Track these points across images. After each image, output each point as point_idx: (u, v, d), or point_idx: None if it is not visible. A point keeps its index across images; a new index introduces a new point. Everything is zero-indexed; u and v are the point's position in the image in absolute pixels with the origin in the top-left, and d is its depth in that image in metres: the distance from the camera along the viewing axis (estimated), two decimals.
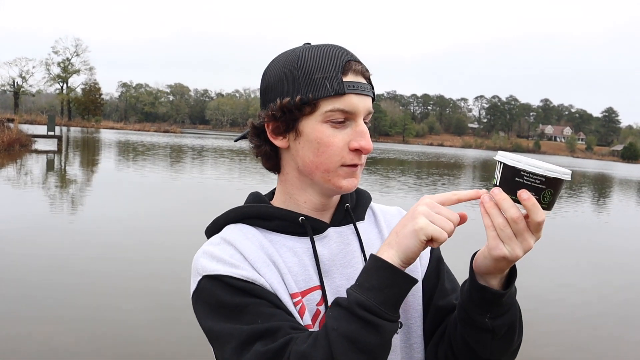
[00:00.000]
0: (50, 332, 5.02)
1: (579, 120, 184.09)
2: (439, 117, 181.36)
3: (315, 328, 1.05)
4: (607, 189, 30.53)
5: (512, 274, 1.00)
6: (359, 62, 1.07)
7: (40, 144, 31.04)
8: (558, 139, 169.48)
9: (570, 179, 0.91)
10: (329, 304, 1.05)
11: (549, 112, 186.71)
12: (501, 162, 0.92)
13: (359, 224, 1.19)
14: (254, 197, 1.18)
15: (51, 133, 33.42)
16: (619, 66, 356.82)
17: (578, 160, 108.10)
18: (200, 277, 1.01)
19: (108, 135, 56.75)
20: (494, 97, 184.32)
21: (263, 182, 17.67)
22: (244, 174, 21.86)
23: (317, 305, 1.07)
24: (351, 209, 1.19)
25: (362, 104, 1.04)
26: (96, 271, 7.03)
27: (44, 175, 18.39)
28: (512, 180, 0.90)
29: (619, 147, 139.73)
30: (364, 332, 0.89)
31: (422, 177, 27.25)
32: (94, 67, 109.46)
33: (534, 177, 0.88)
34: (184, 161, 28.15)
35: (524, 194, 0.88)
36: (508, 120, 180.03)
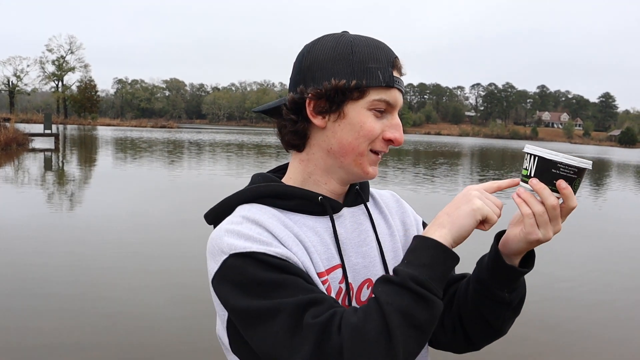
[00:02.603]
0: (67, 327, 5.05)
1: (576, 106, 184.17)
2: (435, 106, 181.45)
3: None
4: (606, 173, 30.59)
5: (531, 253, 1.10)
6: (399, 60, 1.12)
7: (38, 143, 30.97)
8: (555, 125, 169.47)
9: (591, 167, 1.00)
10: (349, 281, 1.10)
11: (545, 99, 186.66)
12: (535, 155, 1.00)
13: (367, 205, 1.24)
14: (263, 177, 1.18)
15: (48, 131, 33.34)
16: (615, 51, 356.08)
17: (576, 146, 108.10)
18: (226, 256, 0.99)
19: (105, 132, 56.59)
20: (490, 84, 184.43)
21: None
22: (249, 169, 21.83)
23: (339, 283, 1.09)
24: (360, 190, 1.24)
25: (400, 99, 1.10)
26: (109, 268, 7.05)
27: (43, 173, 18.37)
28: (549, 172, 0.98)
29: (617, 132, 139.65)
30: (417, 307, 0.90)
31: (425, 167, 27.24)
32: (89, 64, 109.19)
33: (569, 168, 0.98)
34: (189, 156, 28.08)
35: (562, 183, 0.97)
36: (505, 108, 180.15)
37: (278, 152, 32.78)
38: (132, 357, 4.57)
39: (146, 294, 6.15)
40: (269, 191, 1.11)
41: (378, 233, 1.20)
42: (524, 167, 1.03)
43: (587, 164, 0.98)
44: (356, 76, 1.06)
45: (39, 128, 36.42)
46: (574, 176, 0.98)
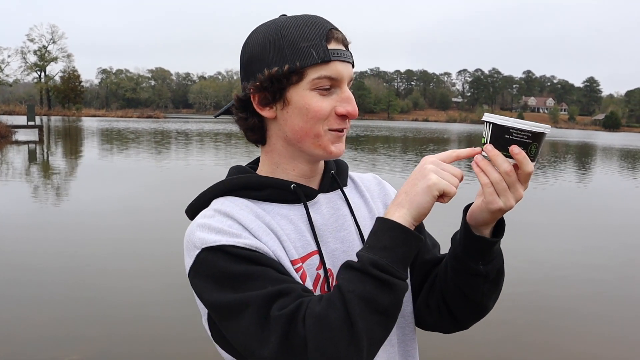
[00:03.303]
0: (60, 319, 5.03)
1: (561, 90, 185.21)
2: (422, 92, 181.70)
3: (317, 292, 1.07)
4: (590, 157, 30.87)
5: (501, 223, 1.08)
6: (339, 30, 1.09)
7: (21, 135, 30.63)
8: (541, 110, 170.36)
9: (550, 132, 0.99)
10: (327, 267, 1.10)
11: (531, 84, 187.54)
12: (490, 122, 0.99)
13: (345, 190, 1.23)
14: (238, 169, 1.19)
15: (31, 123, 32.94)
16: (600, 37, 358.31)
17: (561, 130, 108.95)
18: (198, 251, 0.99)
19: (90, 123, 56.08)
20: (476, 70, 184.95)
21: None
22: (239, 159, 21.75)
23: (316, 269, 1.09)
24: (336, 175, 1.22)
25: (345, 70, 1.07)
26: (102, 261, 7.02)
27: (28, 166, 18.20)
28: (502, 138, 0.98)
29: (601, 117, 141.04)
30: (379, 292, 0.90)
31: (417, 154, 27.29)
32: (72, 54, 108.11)
33: (522, 133, 0.97)
34: (178, 147, 27.92)
35: (515, 148, 0.96)
36: (491, 93, 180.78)
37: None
38: (130, 349, 4.56)
39: (141, 285, 6.13)
40: (242, 183, 1.11)
41: (357, 217, 1.19)
42: (483, 135, 1.02)
43: (542, 128, 0.97)
44: (289, 60, 1.04)
45: (22, 120, 35.96)
46: (529, 141, 0.97)
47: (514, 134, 0.97)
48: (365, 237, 1.14)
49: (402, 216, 0.96)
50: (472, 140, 45.82)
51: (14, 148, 24.69)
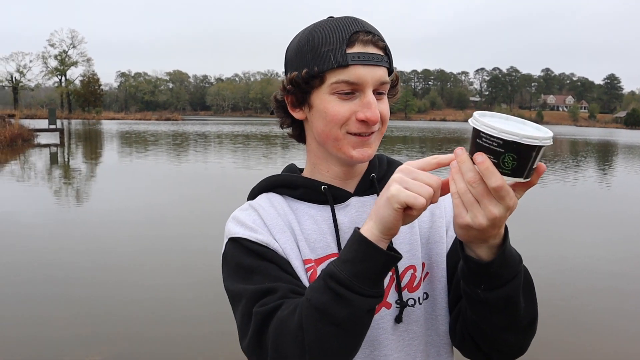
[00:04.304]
0: (85, 319, 5.10)
1: (581, 88, 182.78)
2: (440, 92, 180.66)
3: None
4: (612, 155, 30.42)
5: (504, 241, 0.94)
6: (369, 32, 1.05)
7: (43, 138, 31.05)
8: (560, 109, 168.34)
9: (541, 144, 0.81)
10: None
11: (550, 82, 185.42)
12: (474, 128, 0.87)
13: None
14: (288, 168, 1.25)
15: (52, 126, 33.39)
16: (620, 33, 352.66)
17: (581, 128, 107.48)
18: (227, 240, 1.10)
19: (110, 126, 56.72)
20: (494, 69, 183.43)
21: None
22: (260, 161, 21.81)
23: None
24: (378, 179, 1.19)
25: (369, 74, 1.04)
26: (126, 262, 7.10)
27: (49, 168, 18.46)
28: (475, 143, 0.85)
29: (622, 114, 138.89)
30: (333, 304, 0.89)
31: (433, 153, 27.15)
32: (91, 58, 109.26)
33: (491, 139, 0.82)
34: (199, 149, 28.09)
35: (478, 157, 0.83)
36: (510, 92, 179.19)
37: (287, 142, 32.73)
38: (160, 350, 4.63)
39: (166, 283, 6.20)
40: (280, 181, 1.17)
41: None
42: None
43: (518, 137, 0.80)
44: (309, 64, 1.05)
45: (43, 123, 36.46)
46: (500, 150, 0.82)
47: (483, 139, 0.83)
48: (396, 246, 1.11)
49: (369, 229, 0.91)
50: None
51: (36, 151, 25.04)
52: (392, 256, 0.91)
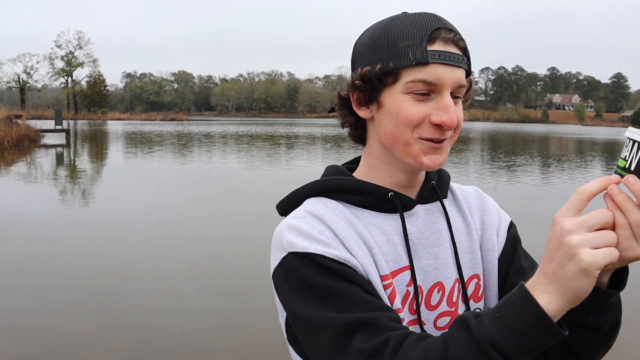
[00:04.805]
0: (93, 323, 5.14)
1: (587, 87, 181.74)
2: None
3: (405, 310, 1.01)
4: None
5: (623, 270, 0.88)
6: (451, 30, 0.98)
7: (49, 139, 31.19)
8: (566, 108, 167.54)
9: None
10: (418, 284, 1.03)
11: (556, 81, 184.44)
12: (636, 141, 0.78)
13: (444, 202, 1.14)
14: (335, 170, 1.12)
15: (59, 127, 33.51)
16: (626, 31, 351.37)
17: (588, 128, 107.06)
18: (285, 254, 0.95)
19: (116, 127, 56.94)
20: (499, 68, 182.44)
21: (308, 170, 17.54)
22: (267, 161, 21.86)
23: (406, 286, 1.02)
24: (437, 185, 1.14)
25: (449, 75, 0.96)
26: (135, 264, 7.14)
27: (56, 169, 18.55)
28: None
29: (629, 113, 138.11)
30: None
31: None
32: (97, 59, 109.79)
33: None
34: (205, 149, 28.16)
35: None
36: (515, 91, 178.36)
37: (291, 142, 32.79)
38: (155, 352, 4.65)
39: (171, 285, 6.23)
40: (338, 185, 1.06)
41: (454, 232, 1.10)
42: (622, 155, 0.81)
43: None
44: (384, 60, 0.97)
45: (50, 124, 36.55)
46: None
47: None
48: (460, 255, 1.10)
49: (551, 302, 0.77)
50: (495, 140, 45.31)
51: (43, 151, 25.17)
52: (562, 336, 0.78)
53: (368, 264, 0.96)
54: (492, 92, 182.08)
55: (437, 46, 0.95)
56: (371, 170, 1.08)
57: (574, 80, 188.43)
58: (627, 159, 0.79)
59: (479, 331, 0.79)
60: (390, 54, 0.97)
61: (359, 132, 1.10)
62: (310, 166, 18.62)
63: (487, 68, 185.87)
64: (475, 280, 1.11)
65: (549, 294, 0.77)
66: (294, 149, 26.84)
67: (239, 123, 74.15)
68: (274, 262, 0.98)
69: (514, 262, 1.14)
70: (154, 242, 8.31)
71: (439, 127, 0.96)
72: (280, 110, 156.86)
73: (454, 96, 0.99)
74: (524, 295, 0.79)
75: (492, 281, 1.13)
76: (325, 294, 0.90)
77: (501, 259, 1.14)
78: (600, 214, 0.78)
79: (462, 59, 0.98)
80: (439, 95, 0.96)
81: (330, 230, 0.97)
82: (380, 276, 0.97)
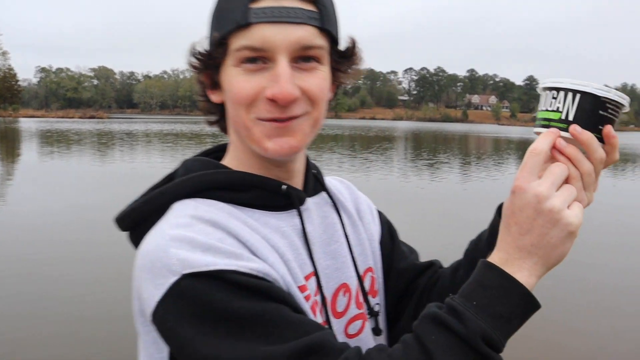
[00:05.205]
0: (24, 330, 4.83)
1: (503, 88, 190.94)
2: (370, 90, 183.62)
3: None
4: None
5: None
6: None
7: None
8: (484, 108, 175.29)
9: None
10: (324, 291, 0.90)
11: (475, 82, 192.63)
12: (577, 91, 0.75)
13: (325, 193, 1.02)
14: (203, 164, 0.91)
15: None
16: (538, 38, 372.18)
17: (503, 127, 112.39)
18: (177, 278, 0.72)
19: (29, 124, 53.84)
20: (422, 69, 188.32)
21: None
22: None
23: (314, 295, 0.88)
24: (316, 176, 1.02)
25: (281, 35, 0.78)
26: (56, 267, 6.77)
27: None
28: (596, 115, 0.75)
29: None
30: None
31: (368, 151, 27.58)
32: (7, 52, 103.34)
33: (617, 107, 0.75)
34: (126, 148, 27.19)
35: (611, 130, 0.75)
36: (437, 91, 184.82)
37: (218, 141, 32.31)
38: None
39: (92, 290, 5.97)
40: (220, 180, 0.86)
41: (345, 225, 1.01)
42: (553, 108, 0.77)
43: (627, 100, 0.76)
44: (212, 30, 0.85)
45: None
46: (617, 118, 0.76)
47: (609, 109, 0.75)
48: (353, 249, 0.99)
49: (530, 276, 0.72)
50: (419, 138, 46.68)
51: None
52: (539, 306, 0.74)
53: (286, 275, 0.80)
54: (415, 92, 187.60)
55: (264, 2, 0.79)
56: (239, 163, 0.90)
57: (491, 82, 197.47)
58: (560, 110, 0.76)
59: (464, 327, 0.69)
60: (217, 21, 0.83)
61: (216, 120, 0.95)
62: None
63: (411, 69, 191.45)
64: (370, 273, 1.03)
65: (527, 269, 0.72)
66: None
67: (163, 121, 72.26)
68: (156, 294, 0.73)
69: (395, 247, 1.11)
70: (71, 245, 7.94)
71: (274, 102, 0.80)
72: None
73: (304, 60, 0.81)
74: (500, 275, 0.72)
75: (380, 271, 1.07)
76: (251, 322, 0.71)
77: (382, 246, 1.09)
78: (561, 170, 0.74)
79: (306, 13, 0.80)
80: (271, 63, 0.80)
81: (232, 237, 0.78)
82: (298, 287, 0.83)
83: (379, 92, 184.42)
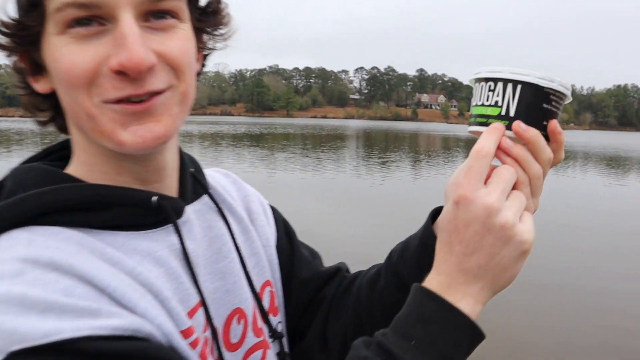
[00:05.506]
0: None
1: (452, 88, 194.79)
2: (321, 89, 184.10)
3: None
4: None
5: None
6: None
7: None
8: (433, 107, 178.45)
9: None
10: (214, 322, 0.72)
11: (424, 82, 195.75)
12: (518, 82, 0.64)
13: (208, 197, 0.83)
14: (40, 174, 0.68)
15: None
16: (483, 41, 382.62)
17: (452, 125, 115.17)
18: (2, 357, 0.52)
19: None
20: (373, 68, 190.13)
21: None
22: None
23: (203, 332, 0.71)
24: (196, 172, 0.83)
25: None
26: None
27: None
28: (539, 108, 0.65)
29: None
30: None
31: (320, 149, 27.55)
32: None
33: (561, 98, 0.67)
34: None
35: (558, 126, 0.66)
36: (387, 90, 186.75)
37: None
38: None
39: None
40: (65, 200, 0.64)
41: (235, 234, 0.82)
42: (491, 102, 0.66)
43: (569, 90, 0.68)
44: None
45: None
46: (560, 111, 0.68)
47: (553, 102, 0.66)
48: (246, 263, 0.81)
49: (476, 304, 0.63)
50: (371, 137, 47.06)
51: None
52: (484, 337, 0.64)
53: (165, 322, 0.61)
54: (366, 91, 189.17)
55: None
56: (89, 170, 0.70)
57: (440, 82, 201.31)
58: (499, 104, 0.66)
59: None
60: None
61: (54, 117, 0.72)
62: None
63: (362, 68, 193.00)
64: (268, 288, 0.86)
65: (472, 296, 0.62)
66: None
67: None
68: None
69: (294, 252, 0.94)
70: None
71: (124, 75, 0.60)
72: None
73: (158, 15, 0.63)
74: (442, 307, 0.62)
75: (279, 282, 0.91)
76: None
77: (280, 252, 0.91)
78: (510, 175, 0.64)
79: None
80: (113, 22, 0.60)
81: (85, 282, 0.57)
82: (182, 332, 0.64)
83: (331, 91, 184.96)
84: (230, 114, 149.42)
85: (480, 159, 0.62)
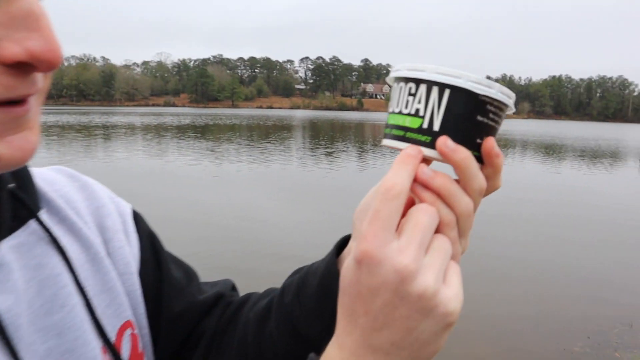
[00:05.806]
0: None
1: None
2: (266, 79, 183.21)
3: None
4: None
5: None
6: None
7: None
8: (379, 97, 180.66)
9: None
10: None
11: (369, 72, 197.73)
12: (445, 85, 0.49)
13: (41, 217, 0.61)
14: None
15: None
16: (429, 28, 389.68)
17: None
18: None
19: None
20: (318, 58, 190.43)
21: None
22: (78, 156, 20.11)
23: None
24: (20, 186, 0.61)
25: None
26: None
27: None
28: (471, 121, 0.49)
29: None
30: None
31: (268, 140, 27.43)
32: None
33: (501, 109, 0.51)
34: None
35: (496, 146, 0.51)
36: (333, 80, 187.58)
37: (109, 132, 30.75)
38: None
39: None
40: None
41: (75, 269, 0.61)
42: (410, 110, 0.50)
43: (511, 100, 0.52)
44: None
45: None
46: (499, 125, 0.52)
47: (490, 112, 0.50)
48: (96, 308, 0.61)
49: None
50: (317, 127, 47.21)
51: None
52: None
53: None
54: (311, 81, 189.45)
55: None
56: None
57: (385, 72, 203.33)
58: (420, 113, 0.50)
59: None
60: None
61: None
62: (130, 157, 17.63)
63: (307, 58, 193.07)
64: (129, 331, 0.68)
65: None
66: (112, 140, 25.17)
67: (47, 112, 67.50)
68: None
69: (163, 276, 0.75)
70: None
71: (23, 67, 0.42)
72: (95, 98, 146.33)
73: None
74: None
75: (144, 319, 0.72)
76: None
77: (143, 275, 0.72)
78: (430, 220, 0.49)
79: None
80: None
81: None
82: None
83: (276, 81, 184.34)
84: (174, 105, 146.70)
85: (389, 201, 0.47)
